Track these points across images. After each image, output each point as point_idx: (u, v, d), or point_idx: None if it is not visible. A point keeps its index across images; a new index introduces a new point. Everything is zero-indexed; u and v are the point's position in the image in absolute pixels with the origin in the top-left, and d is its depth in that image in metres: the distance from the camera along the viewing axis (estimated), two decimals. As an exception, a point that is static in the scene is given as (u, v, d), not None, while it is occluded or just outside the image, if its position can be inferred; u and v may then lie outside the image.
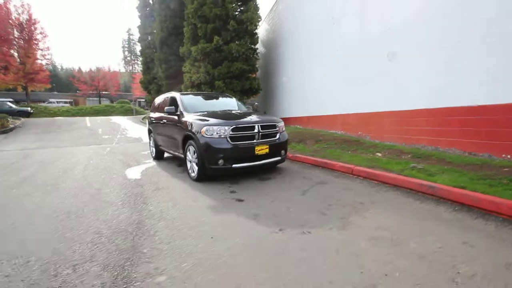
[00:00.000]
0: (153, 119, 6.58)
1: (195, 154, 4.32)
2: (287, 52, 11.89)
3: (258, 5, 12.49)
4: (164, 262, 2.02)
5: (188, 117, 4.71)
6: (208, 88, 11.89)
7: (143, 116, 22.51)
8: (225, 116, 4.63)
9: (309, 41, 9.86)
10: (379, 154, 5.59)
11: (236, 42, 12.02)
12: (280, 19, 12.44)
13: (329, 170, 4.81)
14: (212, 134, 4.07)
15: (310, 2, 9.56)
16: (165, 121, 5.61)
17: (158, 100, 6.72)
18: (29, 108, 20.72)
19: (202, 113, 4.88)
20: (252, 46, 12.38)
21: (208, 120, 4.26)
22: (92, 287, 1.75)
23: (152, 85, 16.80)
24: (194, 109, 5.07)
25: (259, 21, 12.34)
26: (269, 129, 4.46)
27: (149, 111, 7.88)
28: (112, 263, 2.02)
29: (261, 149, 4.29)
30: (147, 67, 17.08)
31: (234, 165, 4.09)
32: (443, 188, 3.15)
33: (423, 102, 5.40)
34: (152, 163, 6.28)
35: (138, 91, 40.67)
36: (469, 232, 2.30)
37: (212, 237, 2.39)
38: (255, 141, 4.27)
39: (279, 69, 12.82)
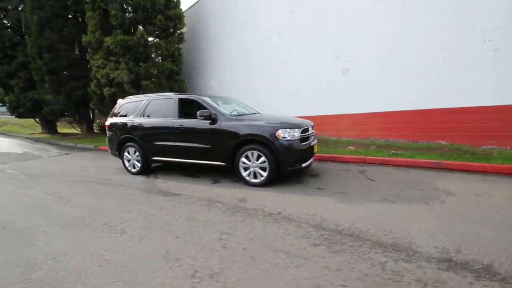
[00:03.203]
0: (137, 124, 5.34)
1: (260, 158, 4.21)
2: (216, 57, 11.98)
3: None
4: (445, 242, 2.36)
5: (238, 122, 4.44)
6: (132, 88, 10.19)
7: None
8: (278, 118, 4.68)
9: (247, 50, 10.51)
10: (351, 147, 7.16)
11: (161, 39, 10.93)
12: (205, 24, 12.32)
13: (342, 162, 5.82)
14: (285, 137, 4.14)
15: (251, 13, 10.23)
16: (182, 127, 4.82)
17: (140, 103, 5.51)
18: None
19: (239, 116, 4.72)
20: (178, 46, 11.61)
21: (277, 124, 4.26)
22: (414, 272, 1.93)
23: (15, 80, 11.92)
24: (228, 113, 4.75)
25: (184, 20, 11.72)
26: (313, 129, 4.95)
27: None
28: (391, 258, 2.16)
29: (315, 148, 4.75)
30: (5, 54, 11.93)
31: (303, 165, 4.34)
32: (445, 162, 4.87)
33: (373, 107, 7.40)
34: (142, 177, 5.18)
35: None
36: (495, 182, 3.93)
37: (404, 221, 2.83)
38: (311, 141, 4.66)
39: (205, 73, 12.66)
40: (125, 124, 5.54)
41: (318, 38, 8.29)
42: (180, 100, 5.06)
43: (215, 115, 4.57)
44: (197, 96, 4.98)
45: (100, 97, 10.46)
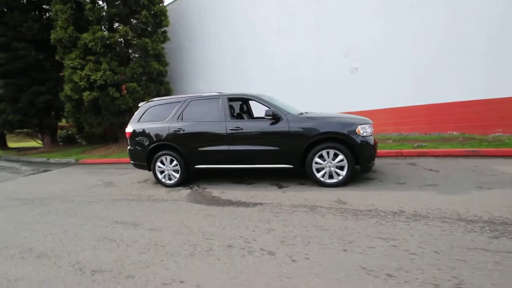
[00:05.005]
0: (175, 130, 4.65)
1: (337, 157, 4.01)
2: (200, 58, 11.40)
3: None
4: None
5: (309, 121, 4.18)
6: (116, 91, 9.02)
7: None
8: (339, 115, 4.53)
9: (242, 50, 10.18)
10: (369, 143, 7.38)
11: (146, 38, 9.90)
12: (188, 22, 11.61)
13: (378, 157, 5.92)
14: (363, 133, 4.02)
15: (245, 10, 9.91)
16: (240, 129, 4.34)
17: (176, 106, 4.83)
18: None
19: (303, 115, 4.47)
20: (162, 45, 10.67)
21: (355, 120, 4.13)
22: None
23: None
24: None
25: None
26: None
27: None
28: None
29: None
30: None
31: (373, 161, 4.27)
32: (481, 150, 5.29)
33: (384, 103, 7.77)
34: (186, 190, 4.56)
35: None
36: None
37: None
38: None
39: (190, 74, 11.93)
40: (157, 130, 4.80)
41: (324, 38, 8.41)
42: (230, 99, 4.57)
43: (281, 114, 4.23)
44: (253, 94, 4.55)
45: (77, 103, 8.98)
